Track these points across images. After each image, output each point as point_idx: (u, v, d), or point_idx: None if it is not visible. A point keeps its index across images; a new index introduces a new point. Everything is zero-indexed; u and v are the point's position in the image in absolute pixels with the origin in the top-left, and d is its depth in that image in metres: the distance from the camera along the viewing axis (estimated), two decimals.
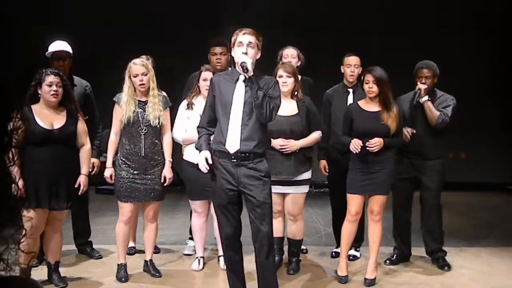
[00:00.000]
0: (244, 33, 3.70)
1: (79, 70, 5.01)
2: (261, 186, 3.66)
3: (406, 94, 4.92)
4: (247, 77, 3.62)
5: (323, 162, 5.06)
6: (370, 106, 4.43)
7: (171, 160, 4.51)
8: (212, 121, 3.81)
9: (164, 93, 4.70)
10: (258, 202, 3.63)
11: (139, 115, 4.39)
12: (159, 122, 4.41)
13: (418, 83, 4.73)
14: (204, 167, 3.69)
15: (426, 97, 4.70)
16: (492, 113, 8.08)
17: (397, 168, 4.90)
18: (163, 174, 4.45)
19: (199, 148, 3.81)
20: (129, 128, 4.41)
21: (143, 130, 4.40)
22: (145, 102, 4.42)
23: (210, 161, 3.67)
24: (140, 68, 4.38)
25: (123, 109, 4.38)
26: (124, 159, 4.43)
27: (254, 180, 3.65)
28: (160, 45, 7.30)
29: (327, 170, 5.07)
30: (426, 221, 4.95)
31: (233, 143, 3.65)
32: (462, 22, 8.04)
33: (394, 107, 4.39)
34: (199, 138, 3.83)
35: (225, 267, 4.66)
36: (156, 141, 4.46)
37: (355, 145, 4.29)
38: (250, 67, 3.59)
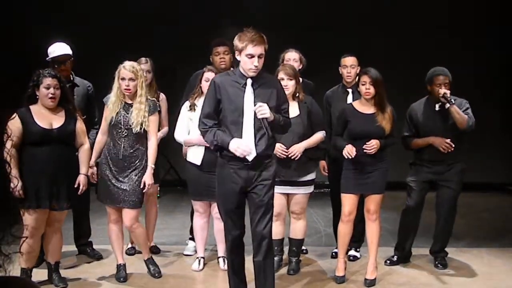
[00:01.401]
0: (255, 45, 3.56)
1: (78, 70, 5.00)
2: (267, 186, 3.67)
3: (417, 102, 4.90)
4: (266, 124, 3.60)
5: (323, 163, 5.06)
6: (365, 108, 4.42)
7: (153, 166, 4.39)
8: (216, 124, 3.71)
9: (162, 95, 4.68)
10: (261, 202, 3.65)
11: (122, 117, 4.35)
12: (141, 128, 4.32)
13: (439, 89, 4.62)
14: (246, 151, 3.55)
15: (453, 100, 4.61)
16: (493, 113, 8.06)
17: (412, 170, 4.89)
18: (142, 180, 4.34)
19: (221, 144, 3.62)
20: (112, 129, 4.38)
21: (124, 133, 4.35)
22: (131, 105, 4.38)
23: (247, 146, 3.56)
24: (128, 73, 4.32)
25: (110, 108, 4.38)
26: (107, 159, 4.41)
27: (263, 180, 3.66)
28: (160, 45, 7.29)
29: (327, 171, 5.06)
30: (439, 223, 4.93)
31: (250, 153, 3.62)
32: (463, 22, 8.02)
33: (388, 108, 4.39)
34: (214, 134, 3.64)
35: (225, 268, 4.67)
36: (137, 145, 4.38)
37: (349, 151, 4.27)
38: (270, 115, 3.58)
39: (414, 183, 4.87)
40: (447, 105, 4.61)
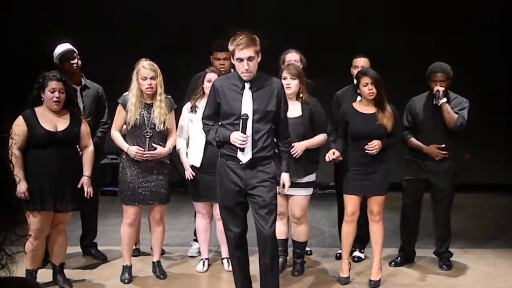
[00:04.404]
0: (241, 49, 3.57)
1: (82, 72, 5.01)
2: (268, 186, 3.66)
3: (419, 96, 4.91)
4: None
5: (333, 150, 4.86)
6: (365, 108, 4.42)
7: (170, 147, 4.47)
8: (217, 123, 3.79)
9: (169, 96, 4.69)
10: (264, 203, 3.64)
11: (145, 118, 4.37)
12: (164, 126, 4.39)
13: (434, 86, 4.65)
14: (244, 142, 3.58)
15: (444, 99, 4.64)
16: (497, 113, 8.05)
17: (406, 169, 4.89)
18: (154, 145, 4.37)
19: (223, 138, 3.68)
20: (135, 130, 4.39)
21: (148, 133, 4.38)
22: (150, 105, 4.40)
23: (243, 136, 3.58)
24: (149, 72, 4.32)
25: (130, 110, 4.35)
26: (129, 161, 4.41)
27: (262, 181, 3.65)
28: (160, 46, 7.27)
29: (333, 155, 4.88)
30: (438, 223, 4.93)
31: (245, 153, 3.63)
32: (463, 22, 7.99)
33: (388, 106, 4.40)
34: (216, 131, 3.74)
35: (229, 269, 4.66)
36: (161, 143, 4.44)
37: (329, 154, 4.34)
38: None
39: (406, 182, 4.89)
40: (440, 101, 4.64)
